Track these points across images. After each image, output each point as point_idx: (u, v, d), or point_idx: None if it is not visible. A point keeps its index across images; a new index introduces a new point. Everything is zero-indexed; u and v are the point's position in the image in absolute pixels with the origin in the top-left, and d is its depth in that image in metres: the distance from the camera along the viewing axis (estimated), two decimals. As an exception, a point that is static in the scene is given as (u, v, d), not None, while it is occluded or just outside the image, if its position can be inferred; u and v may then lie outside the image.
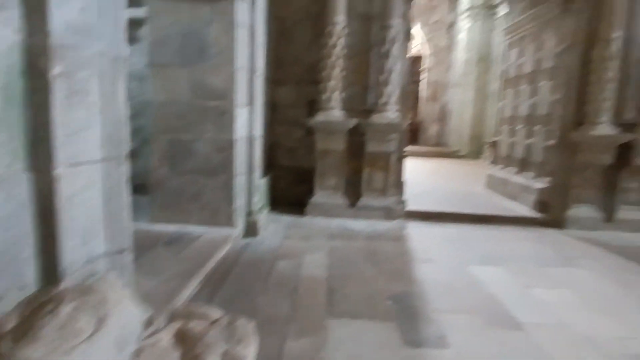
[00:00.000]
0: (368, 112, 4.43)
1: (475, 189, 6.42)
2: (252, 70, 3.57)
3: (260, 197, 3.95)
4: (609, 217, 4.49)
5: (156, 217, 3.49)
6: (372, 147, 4.42)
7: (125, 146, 1.66)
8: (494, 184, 6.12)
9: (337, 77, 4.30)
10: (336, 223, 4.28)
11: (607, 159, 4.39)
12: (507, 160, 6.05)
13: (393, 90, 4.34)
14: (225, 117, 3.34)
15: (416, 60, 14.67)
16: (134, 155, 1.97)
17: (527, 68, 5.66)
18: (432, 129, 14.21)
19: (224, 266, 2.92)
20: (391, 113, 4.34)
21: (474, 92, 11.85)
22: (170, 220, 3.45)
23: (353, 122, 4.32)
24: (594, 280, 2.98)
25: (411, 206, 4.68)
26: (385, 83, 4.31)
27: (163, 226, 3.41)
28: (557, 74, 4.88)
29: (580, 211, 4.51)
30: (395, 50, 4.28)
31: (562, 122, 4.67)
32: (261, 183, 4.03)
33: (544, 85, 5.20)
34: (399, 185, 4.64)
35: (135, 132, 4.44)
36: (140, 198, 3.61)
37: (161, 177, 3.44)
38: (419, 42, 14.51)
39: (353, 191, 4.57)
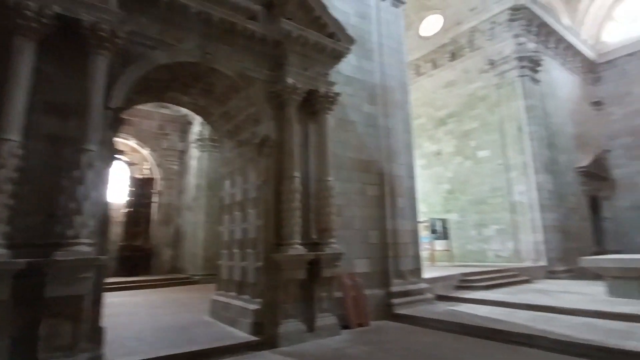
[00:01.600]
0: (53, 246, 3.57)
1: (201, 317, 6.10)
2: None
3: None
4: (311, 326, 5.08)
5: None
6: (55, 290, 3.46)
7: None
8: (217, 310, 6.00)
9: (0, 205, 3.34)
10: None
11: (302, 273, 5.12)
12: (227, 284, 6.16)
13: (87, 221, 3.72)
14: None
15: (148, 182, 14.30)
16: None
17: (238, 197, 6.32)
18: (166, 254, 13.46)
19: None
20: (84, 247, 3.64)
21: (205, 215, 12.33)
22: None
23: (23, 261, 3.33)
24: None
25: (117, 358, 3.81)
26: (77, 212, 3.67)
27: None
28: (259, 203, 5.63)
29: (289, 326, 4.90)
30: (91, 176, 3.81)
31: (265, 245, 5.26)
32: None
33: (251, 212, 5.86)
34: (95, 335, 3.73)
35: None
36: None
37: None
38: (149, 166, 14.37)
39: (23, 357, 3.31)
